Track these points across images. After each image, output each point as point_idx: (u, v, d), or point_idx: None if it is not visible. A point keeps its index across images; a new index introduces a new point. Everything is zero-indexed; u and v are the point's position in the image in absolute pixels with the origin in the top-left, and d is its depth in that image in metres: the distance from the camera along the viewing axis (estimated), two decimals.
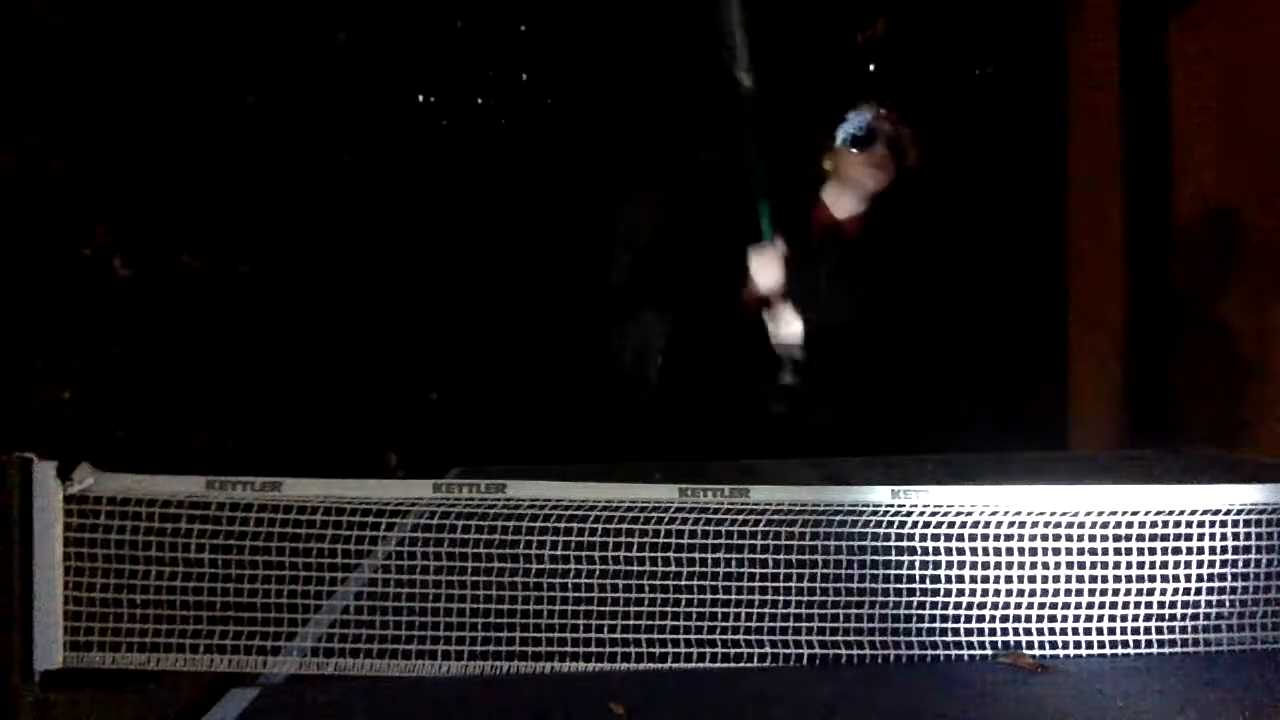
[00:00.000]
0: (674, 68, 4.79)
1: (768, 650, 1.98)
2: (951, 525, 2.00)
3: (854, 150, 3.40)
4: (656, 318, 4.96)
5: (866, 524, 1.99)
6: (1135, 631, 2.02)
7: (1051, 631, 2.02)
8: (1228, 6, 4.39)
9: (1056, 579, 2.02)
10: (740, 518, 1.99)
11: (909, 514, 1.99)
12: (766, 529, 2.00)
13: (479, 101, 5.17)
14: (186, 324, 4.30)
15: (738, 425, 3.42)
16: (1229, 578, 2.01)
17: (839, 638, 1.99)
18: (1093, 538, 2.02)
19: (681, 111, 4.81)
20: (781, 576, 2.01)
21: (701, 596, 1.99)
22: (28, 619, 1.86)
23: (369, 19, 4.77)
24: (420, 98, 5.09)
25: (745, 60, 3.18)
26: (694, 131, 4.68)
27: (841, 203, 3.46)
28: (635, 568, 1.97)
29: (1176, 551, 2.01)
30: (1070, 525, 2.01)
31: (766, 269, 3.30)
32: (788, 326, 3.31)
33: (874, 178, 3.41)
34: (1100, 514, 2.01)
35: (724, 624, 1.99)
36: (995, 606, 2.01)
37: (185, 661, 1.94)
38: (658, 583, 1.98)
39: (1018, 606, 2.02)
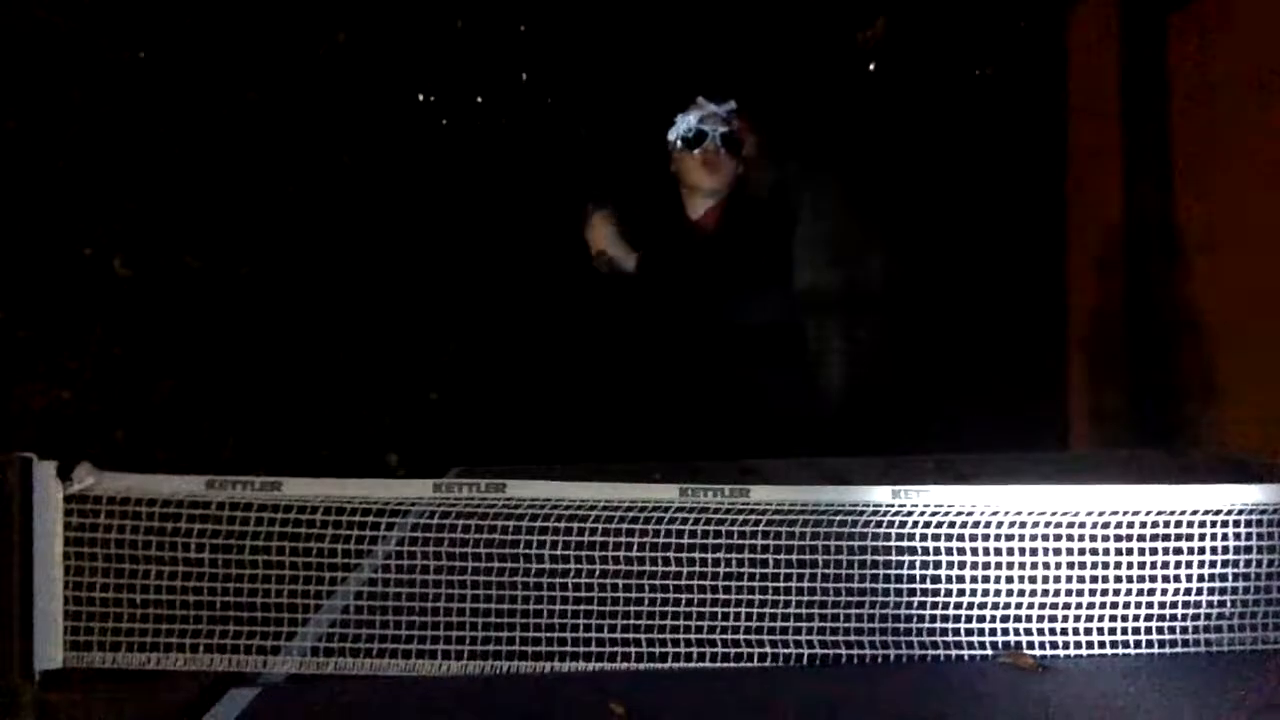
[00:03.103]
0: (671, 69, 4.80)
1: (768, 650, 1.98)
2: (951, 525, 2.00)
3: (687, 151, 3.45)
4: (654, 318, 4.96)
5: (866, 524, 1.99)
6: (1135, 631, 2.02)
7: (1051, 631, 2.01)
8: (1229, 5, 4.39)
9: (1056, 579, 2.02)
10: (740, 518, 1.99)
11: (909, 514, 1.99)
12: (766, 529, 2.00)
13: (479, 101, 5.17)
14: (186, 324, 4.30)
15: (730, 425, 3.43)
16: (1229, 578, 2.01)
17: (839, 638, 1.99)
18: (1093, 538, 2.01)
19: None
20: (781, 576, 2.01)
21: (701, 596, 1.99)
22: (28, 619, 1.86)
23: (369, 19, 4.77)
24: (420, 98, 5.09)
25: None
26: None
27: (694, 204, 3.51)
28: (635, 568, 1.97)
29: (1177, 551, 2.00)
30: (1070, 525, 2.01)
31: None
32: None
33: (711, 175, 3.45)
34: (1100, 514, 2.01)
35: (724, 624, 1.99)
36: (995, 606, 2.01)
37: (185, 661, 1.94)
38: (658, 583, 1.98)
39: (1018, 606, 2.01)
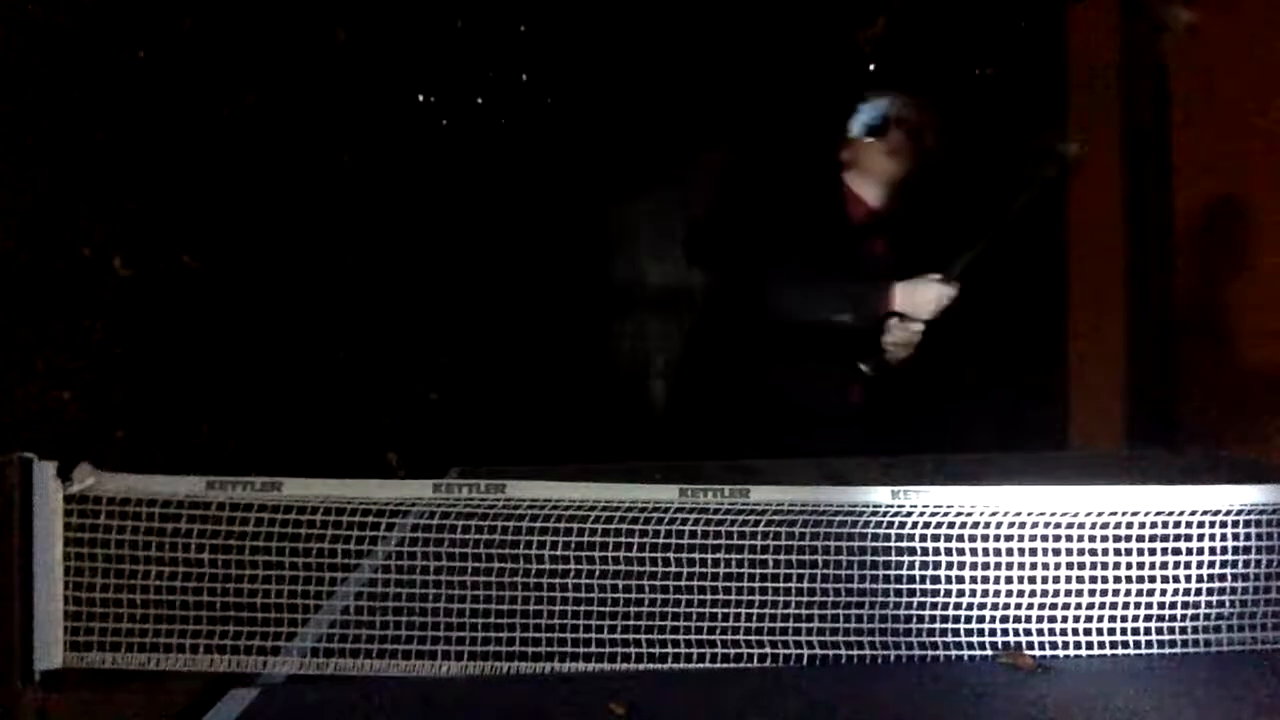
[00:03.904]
0: (673, 69, 4.80)
1: (768, 650, 1.98)
2: (951, 525, 2.00)
3: (871, 139, 3.42)
4: (657, 319, 4.96)
5: (866, 524, 1.99)
6: (1135, 631, 2.02)
7: (1051, 631, 2.02)
8: (1230, 3, 4.39)
9: (1056, 579, 2.02)
10: (740, 518, 1.99)
11: (909, 514, 1.99)
12: (766, 529, 2.00)
13: (479, 101, 5.17)
14: (186, 324, 4.30)
15: (741, 427, 3.42)
16: (1229, 578, 2.01)
17: (839, 638, 1.99)
18: (1093, 538, 2.01)
19: (681, 112, 4.81)
20: (781, 576, 2.01)
21: (701, 596, 1.99)
22: (28, 619, 1.86)
23: (369, 19, 4.76)
24: (420, 97, 5.09)
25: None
26: (696, 132, 4.68)
27: (868, 192, 3.48)
28: (635, 568, 1.97)
29: (1176, 552, 2.01)
30: (1070, 525, 2.01)
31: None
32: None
33: (894, 165, 3.43)
34: (1100, 514, 2.01)
35: (724, 624, 1.99)
36: (995, 606, 2.01)
37: (185, 661, 1.94)
38: (658, 583, 1.98)
39: (1018, 606, 2.02)
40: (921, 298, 3.31)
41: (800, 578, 2.01)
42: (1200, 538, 2.00)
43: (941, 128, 3.52)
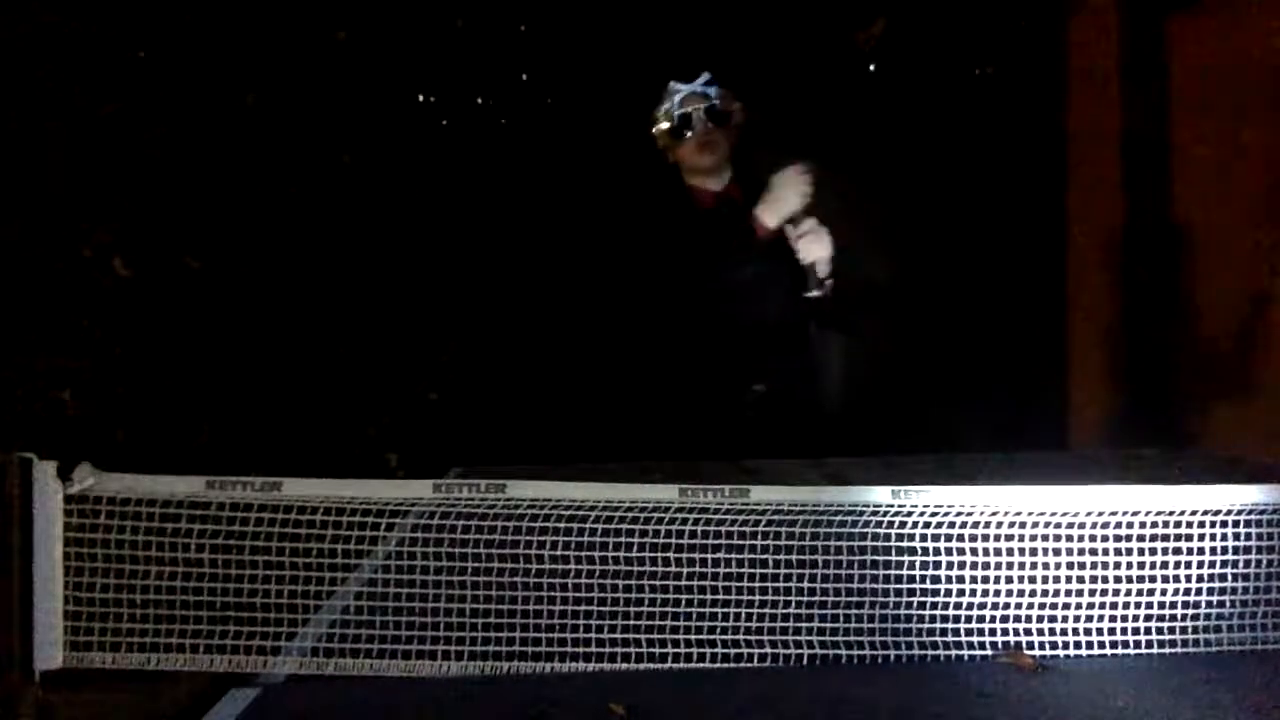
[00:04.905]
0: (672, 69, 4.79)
1: (768, 650, 1.98)
2: (951, 525, 2.00)
3: (678, 139, 3.40)
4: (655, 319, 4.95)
5: (866, 524, 1.99)
6: (1135, 631, 2.02)
7: (1051, 631, 2.02)
8: (1229, 4, 4.39)
9: (1057, 579, 2.02)
10: (740, 518, 1.99)
11: (909, 514, 1.99)
12: (766, 529, 2.00)
13: (479, 101, 5.17)
14: (186, 324, 4.30)
15: (731, 421, 3.41)
16: (1229, 578, 2.02)
17: (839, 638, 1.99)
18: (1093, 538, 2.01)
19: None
20: (781, 576, 2.01)
21: (701, 596, 1.99)
22: (28, 619, 1.86)
23: (369, 19, 4.77)
24: (420, 97, 5.09)
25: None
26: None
27: (707, 183, 3.45)
28: (635, 568, 1.97)
29: (1176, 551, 2.01)
30: (1070, 525, 2.01)
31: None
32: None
33: (712, 154, 3.39)
34: (1100, 514, 2.01)
35: (724, 624, 1.99)
36: (995, 606, 2.01)
37: (185, 661, 1.94)
38: (658, 583, 1.98)
39: (1018, 606, 2.02)
40: (786, 197, 3.28)
41: (800, 578, 2.01)
42: (1200, 538, 2.00)
43: (740, 98, 3.46)
